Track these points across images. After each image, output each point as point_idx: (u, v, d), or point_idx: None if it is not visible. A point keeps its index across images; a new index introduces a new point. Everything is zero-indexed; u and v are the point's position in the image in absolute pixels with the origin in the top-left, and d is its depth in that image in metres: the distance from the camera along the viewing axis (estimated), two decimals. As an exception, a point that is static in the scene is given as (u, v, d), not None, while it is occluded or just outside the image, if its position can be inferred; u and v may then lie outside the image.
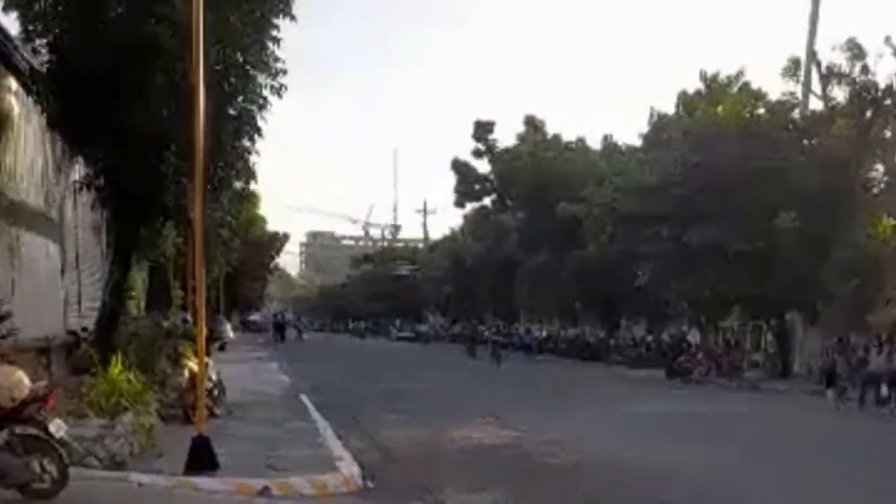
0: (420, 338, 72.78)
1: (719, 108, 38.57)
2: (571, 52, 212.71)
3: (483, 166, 62.78)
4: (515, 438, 15.92)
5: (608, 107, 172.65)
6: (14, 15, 14.41)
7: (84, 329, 18.68)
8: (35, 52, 14.95)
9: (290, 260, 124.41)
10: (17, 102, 15.92)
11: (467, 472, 12.47)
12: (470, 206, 65.98)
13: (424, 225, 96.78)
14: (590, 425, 18.20)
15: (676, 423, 19.84)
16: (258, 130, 16.40)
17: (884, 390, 24.29)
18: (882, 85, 33.03)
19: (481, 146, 61.98)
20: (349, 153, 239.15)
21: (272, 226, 67.30)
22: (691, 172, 34.39)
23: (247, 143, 16.77)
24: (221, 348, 36.16)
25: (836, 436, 19.01)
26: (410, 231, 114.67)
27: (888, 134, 34.30)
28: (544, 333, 57.61)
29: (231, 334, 45.47)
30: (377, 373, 32.71)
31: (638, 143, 45.16)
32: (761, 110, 37.50)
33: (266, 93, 15.93)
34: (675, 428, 18.60)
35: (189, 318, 20.49)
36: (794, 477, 12.72)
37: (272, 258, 71.37)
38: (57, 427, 8.39)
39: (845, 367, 26.30)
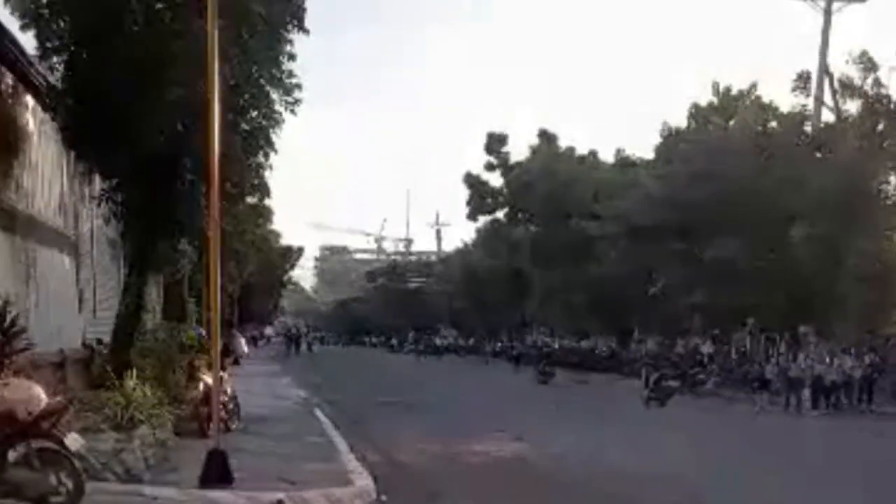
0: (433, 351, 72.77)
1: (731, 122, 38.62)
2: (583, 65, 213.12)
3: (496, 179, 62.89)
4: (525, 451, 15.93)
5: (620, 120, 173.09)
6: (31, 32, 14.60)
7: (99, 342, 18.78)
8: (51, 68, 15.11)
9: (303, 274, 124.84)
10: (34, 119, 16.09)
11: (478, 485, 12.47)
12: (482, 220, 66.04)
13: (438, 239, 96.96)
14: (600, 437, 18.16)
15: (686, 435, 19.80)
16: (272, 145, 16.52)
17: (805, 394, 27.25)
18: (895, 97, 33.01)
19: (494, 159, 62.05)
20: (362, 167, 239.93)
21: (286, 240, 67.56)
22: (704, 185, 34.39)
23: (261, 158, 16.89)
24: (236, 362, 36.21)
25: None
26: (424, 244, 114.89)
27: (901, 145, 34.19)
28: (556, 346, 57.60)
29: (245, 349, 45.49)
30: (389, 387, 32.68)
31: (650, 156, 45.22)
32: (774, 123, 37.51)
33: (280, 108, 16.06)
34: (687, 441, 18.54)
35: (203, 332, 20.56)
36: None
37: (286, 272, 71.53)
38: (73, 441, 8.43)
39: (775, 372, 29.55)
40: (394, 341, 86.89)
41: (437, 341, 79.05)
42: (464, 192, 64.09)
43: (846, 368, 27.70)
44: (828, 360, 28.64)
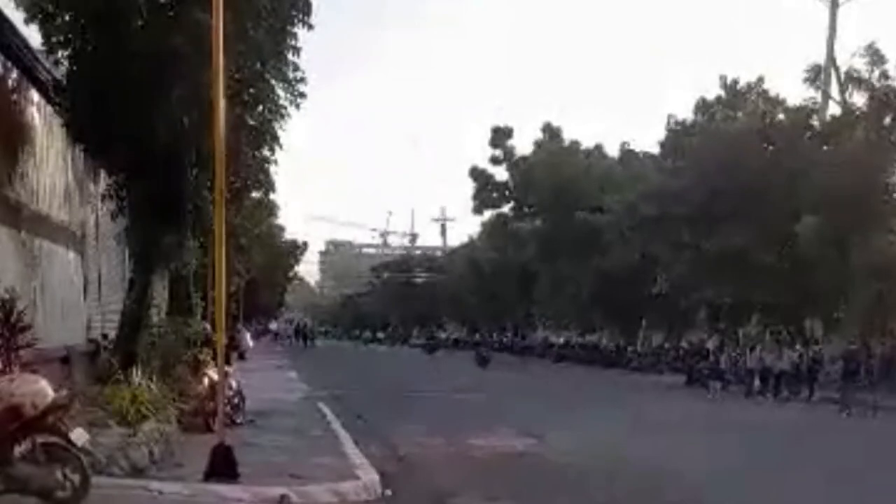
0: (440, 345, 72.64)
1: (739, 115, 38.50)
2: (587, 59, 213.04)
3: (501, 173, 62.67)
4: (530, 445, 15.94)
5: (624, 113, 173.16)
6: (36, 27, 14.56)
7: (105, 337, 18.79)
8: (57, 63, 15.08)
9: (308, 269, 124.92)
10: (39, 114, 16.05)
11: (483, 478, 12.47)
12: (488, 214, 65.83)
13: (443, 234, 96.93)
14: (606, 432, 18.17)
15: (691, 429, 19.79)
16: (277, 140, 16.49)
17: (756, 383, 30.76)
18: (901, 90, 32.85)
19: (499, 153, 61.87)
20: (367, 161, 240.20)
21: (291, 235, 67.63)
22: (711, 178, 34.30)
23: (266, 153, 16.87)
24: (241, 357, 36.27)
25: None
26: (430, 238, 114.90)
27: (908, 139, 34.02)
28: (562, 340, 57.68)
29: (250, 343, 45.61)
30: (394, 381, 32.73)
31: (656, 150, 45.10)
32: (781, 116, 37.40)
33: (284, 102, 16.03)
34: (690, 434, 18.54)
35: (209, 326, 20.55)
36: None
37: (291, 267, 71.54)
38: (78, 435, 8.41)
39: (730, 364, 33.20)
40: (385, 333, 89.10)
41: (442, 335, 79.12)
42: (468, 189, 63.91)
43: (793, 360, 30.24)
44: (776, 352, 31.31)
